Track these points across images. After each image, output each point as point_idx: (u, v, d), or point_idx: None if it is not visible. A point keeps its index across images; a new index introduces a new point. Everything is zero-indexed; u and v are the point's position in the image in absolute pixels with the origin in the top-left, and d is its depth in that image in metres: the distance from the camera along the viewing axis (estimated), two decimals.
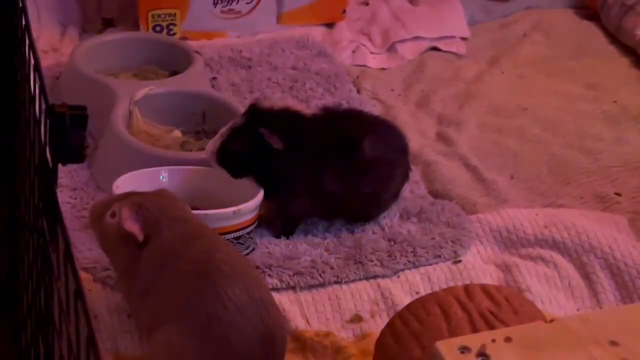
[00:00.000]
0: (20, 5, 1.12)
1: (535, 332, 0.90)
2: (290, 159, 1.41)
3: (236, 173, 1.41)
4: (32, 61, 0.96)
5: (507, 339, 0.90)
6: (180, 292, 1.16)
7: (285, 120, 1.41)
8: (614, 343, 0.89)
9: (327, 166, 1.44)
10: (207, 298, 1.14)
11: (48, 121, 0.82)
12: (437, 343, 0.89)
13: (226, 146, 1.40)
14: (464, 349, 0.88)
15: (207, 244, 1.21)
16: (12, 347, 1.20)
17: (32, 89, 0.99)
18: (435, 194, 1.63)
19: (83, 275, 1.35)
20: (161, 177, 1.48)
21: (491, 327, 1.12)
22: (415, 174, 1.65)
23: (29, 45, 1.01)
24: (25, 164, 1.06)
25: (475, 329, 1.12)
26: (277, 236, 1.47)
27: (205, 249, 1.19)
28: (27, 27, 0.97)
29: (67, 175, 1.56)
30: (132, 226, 1.18)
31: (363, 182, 1.46)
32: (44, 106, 0.86)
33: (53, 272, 0.77)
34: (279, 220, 1.48)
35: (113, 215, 1.21)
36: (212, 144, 1.42)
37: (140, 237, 1.19)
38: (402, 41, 2.06)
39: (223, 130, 1.42)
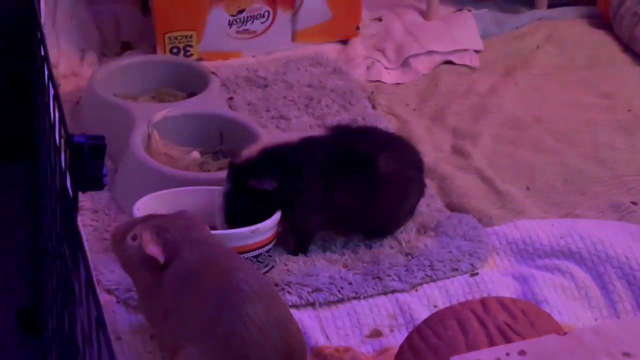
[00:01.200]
0: (39, 36, 1.15)
1: (549, 345, 0.91)
2: (293, 186, 1.43)
3: (253, 222, 1.43)
4: (52, 91, 0.99)
5: (521, 353, 0.91)
6: (201, 312, 1.19)
7: (268, 159, 1.43)
8: (626, 354, 0.90)
9: (341, 184, 1.46)
10: (227, 318, 1.17)
11: (67, 151, 0.85)
12: (452, 358, 0.90)
13: (230, 214, 1.43)
14: None
15: (226, 264, 1.23)
16: None
17: (52, 118, 1.02)
18: (452, 207, 1.64)
19: (106, 296, 1.38)
20: (181, 197, 1.51)
21: (508, 339, 1.13)
22: (431, 187, 1.67)
23: (48, 75, 1.04)
24: (47, 191, 1.09)
25: (492, 342, 1.13)
26: (293, 253, 1.49)
27: (225, 269, 1.21)
28: (46, 59, 1.00)
29: (89, 198, 1.59)
30: (154, 249, 1.20)
31: (379, 199, 1.48)
32: (63, 135, 0.89)
33: (75, 299, 0.80)
34: (292, 236, 1.50)
35: (134, 238, 1.23)
36: (219, 217, 1.44)
37: (161, 259, 1.21)
38: (416, 56, 2.08)
39: (219, 200, 1.44)
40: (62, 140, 0.90)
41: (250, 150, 1.46)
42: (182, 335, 1.19)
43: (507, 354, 0.91)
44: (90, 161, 0.83)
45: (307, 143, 1.48)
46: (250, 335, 1.16)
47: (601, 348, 0.91)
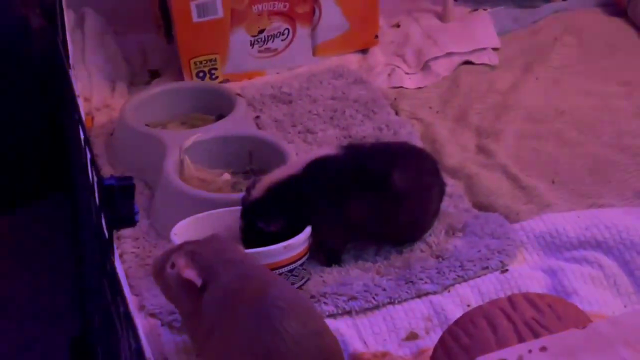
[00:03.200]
0: (67, 80, 1.21)
1: (569, 340, 0.95)
2: (315, 197, 1.49)
3: (274, 243, 1.48)
4: (82, 135, 1.05)
5: (543, 349, 0.95)
6: (240, 330, 1.24)
7: (274, 200, 1.48)
8: None
9: (356, 204, 1.50)
10: (265, 334, 1.22)
11: (99, 193, 0.91)
12: (477, 359, 0.94)
13: (249, 243, 1.49)
14: None
15: (261, 282, 1.28)
16: None
17: (85, 161, 1.08)
18: (479, 206, 1.68)
19: (151, 320, 1.45)
20: (216, 219, 1.57)
21: (536, 334, 1.17)
22: (458, 188, 1.71)
23: (77, 120, 1.10)
24: (85, 227, 1.15)
25: (520, 338, 1.17)
26: (327, 264, 1.55)
27: (260, 287, 1.27)
28: (75, 103, 1.06)
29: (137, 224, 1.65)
30: (190, 273, 1.26)
31: (400, 214, 1.53)
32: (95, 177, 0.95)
33: (117, 332, 0.85)
34: (322, 251, 1.55)
35: (172, 266, 1.29)
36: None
37: (198, 282, 1.27)
38: (435, 59, 2.12)
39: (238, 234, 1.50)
40: (95, 182, 0.96)
41: (258, 188, 1.51)
42: (224, 354, 1.25)
43: (530, 351, 0.95)
44: (121, 201, 0.89)
45: (315, 168, 1.52)
46: (289, 349, 1.21)
47: (619, 338, 0.94)
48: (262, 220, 1.49)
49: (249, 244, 1.49)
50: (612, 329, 0.96)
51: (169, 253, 1.32)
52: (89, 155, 1.00)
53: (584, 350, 0.93)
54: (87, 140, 1.01)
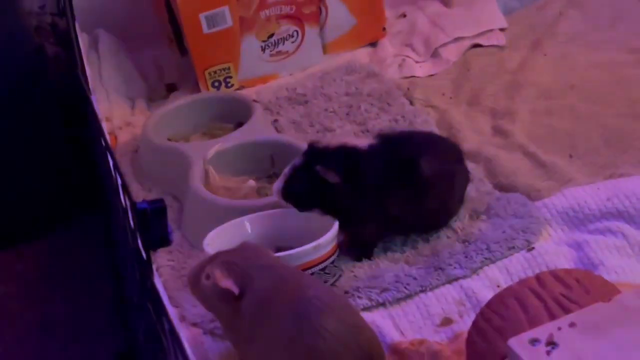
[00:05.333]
0: (90, 106, 1.25)
1: (596, 314, 0.99)
2: (350, 190, 1.52)
3: (301, 207, 1.54)
4: (112, 161, 1.10)
5: (572, 325, 0.99)
6: (281, 332, 1.28)
7: (341, 155, 1.53)
8: None
9: (390, 192, 1.54)
10: (306, 334, 1.26)
11: (133, 217, 0.95)
12: (509, 341, 0.98)
13: (288, 185, 1.53)
14: (534, 341, 0.98)
15: (295, 284, 1.32)
16: None
17: (116, 185, 1.12)
18: (501, 188, 1.71)
19: (193, 330, 1.49)
20: (245, 226, 1.61)
21: (566, 310, 1.20)
22: (478, 171, 1.75)
23: (105, 147, 1.14)
24: (122, 245, 1.20)
25: (552, 315, 1.20)
26: (357, 259, 1.58)
27: (295, 289, 1.31)
28: (102, 133, 1.10)
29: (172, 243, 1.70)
30: (227, 283, 1.31)
31: (427, 200, 1.56)
32: (128, 201, 0.99)
33: (164, 348, 0.90)
34: (354, 247, 1.59)
35: (207, 277, 1.34)
36: (277, 183, 1.55)
37: (236, 291, 1.31)
38: (444, 45, 2.15)
39: (286, 170, 1.55)
40: (128, 206, 1.00)
41: (332, 141, 1.55)
42: (267, 356, 1.29)
43: (559, 329, 0.98)
44: (155, 223, 0.93)
45: (366, 150, 1.56)
46: (329, 346, 1.25)
47: None
48: (323, 165, 1.50)
49: (289, 183, 1.52)
50: (637, 300, 0.99)
51: (203, 265, 1.36)
52: (119, 181, 1.05)
53: (612, 323, 0.97)
54: (116, 166, 1.06)
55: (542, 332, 0.98)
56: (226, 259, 1.34)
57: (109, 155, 1.11)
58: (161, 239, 0.93)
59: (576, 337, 0.97)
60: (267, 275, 1.33)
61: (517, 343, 0.98)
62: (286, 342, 1.28)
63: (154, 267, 1.62)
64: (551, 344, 0.97)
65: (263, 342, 1.30)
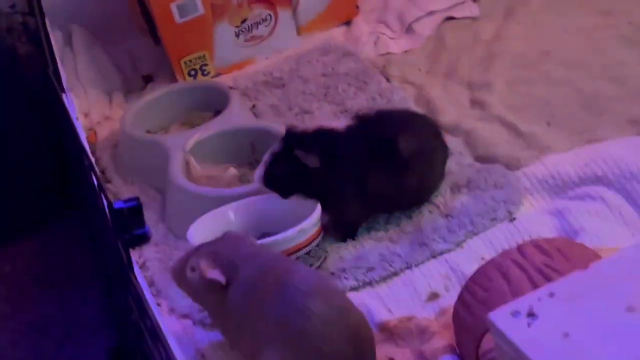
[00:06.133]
0: (63, 110, 1.25)
1: (575, 282, 1.00)
2: (331, 173, 1.53)
3: (284, 193, 1.54)
4: (86, 162, 1.10)
5: (551, 295, 1.00)
6: (269, 318, 1.29)
7: (319, 139, 1.53)
8: None
9: (370, 172, 1.55)
10: (293, 318, 1.27)
11: (110, 216, 0.96)
12: (490, 315, 0.99)
13: (269, 171, 1.54)
14: (515, 313, 0.99)
15: (281, 270, 1.33)
16: None
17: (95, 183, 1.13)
18: (481, 159, 1.72)
19: (183, 321, 1.50)
20: (228, 214, 1.62)
21: (548, 278, 1.21)
22: (458, 144, 1.75)
23: (80, 146, 1.14)
24: (104, 245, 1.20)
25: (534, 285, 1.21)
26: (342, 240, 1.59)
27: (281, 274, 1.32)
28: (75, 132, 1.10)
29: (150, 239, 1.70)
30: (213, 273, 1.31)
31: (407, 178, 1.57)
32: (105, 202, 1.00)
33: (147, 343, 0.91)
34: (338, 228, 1.60)
35: (192, 270, 1.34)
36: (258, 170, 1.55)
37: (223, 280, 1.32)
38: (418, 20, 2.15)
39: (265, 156, 1.55)
40: (105, 204, 1.01)
41: (310, 125, 1.55)
42: (257, 342, 1.30)
43: (539, 300, 0.99)
44: (132, 221, 0.94)
45: (344, 132, 1.57)
46: (317, 329, 1.26)
47: (622, 274, 0.99)
48: (302, 149, 1.52)
49: (270, 170, 1.53)
50: (613, 266, 1.00)
51: (186, 257, 1.37)
52: (95, 182, 1.05)
53: (590, 292, 0.98)
54: (91, 166, 1.06)
55: (522, 304, 0.99)
56: (210, 250, 1.34)
57: (84, 155, 1.11)
58: (139, 236, 0.93)
59: (556, 306, 0.98)
60: (252, 263, 1.34)
61: (498, 316, 0.99)
62: (274, 327, 1.29)
63: (141, 261, 1.65)
64: (531, 315, 0.98)
65: (252, 329, 1.31)
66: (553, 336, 0.94)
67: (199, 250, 1.36)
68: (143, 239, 0.95)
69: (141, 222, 0.95)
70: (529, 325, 0.97)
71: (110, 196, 1.03)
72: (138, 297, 0.91)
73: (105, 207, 0.99)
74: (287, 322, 1.27)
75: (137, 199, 0.95)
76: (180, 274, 1.35)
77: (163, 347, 0.82)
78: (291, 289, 1.29)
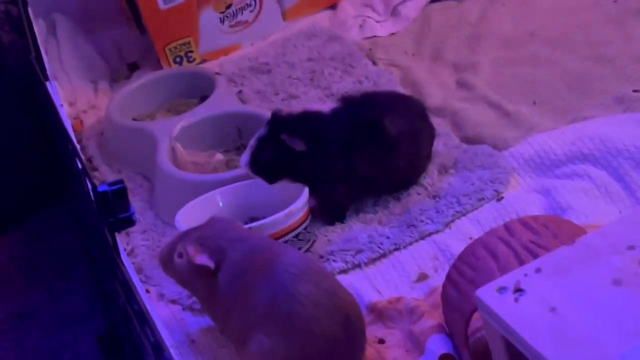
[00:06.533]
0: (47, 96, 1.25)
1: (561, 257, 1.00)
2: (317, 156, 1.53)
3: (271, 179, 1.54)
4: (70, 147, 1.09)
5: (538, 270, 1.00)
6: (259, 302, 1.29)
7: (304, 122, 1.53)
8: (631, 247, 0.99)
9: (356, 153, 1.55)
10: (282, 300, 1.27)
11: (95, 200, 0.95)
12: (477, 291, 0.99)
13: (255, 156, 1.53)
14: (502, 289, 0.99)
15: (269, 253, 1.33)
16: None
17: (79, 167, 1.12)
18: (468, 140, 1.72)
19: (172, 307, 1.50)
20: (216, 200, 1.61)
21: (535, 255, 1.21)
22: (444, 126, 1.75)
23: (64, 132, 1.14)
24: (91, 230, 1.20)
25: (521, 262, 1.21)
26: (330, 223, 1.59)
27: (269, 257, 1.31)
28: (59, 119, 1.10)
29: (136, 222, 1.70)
30: (202, 259, 1.31)
31: (394, 159, 1.57)
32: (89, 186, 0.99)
33: (135, 328, 0.90)
34: (326, 211, 1.60)
35: (180, 256, 1.34)
36: (244, 156, 1.55)
37: (212, 265, 1.31)
38: (403, 2, 2.15)
39: (251, 141, 1.55)
40: (90, 188, 1.00)
41: (295, 109, 1.55)
42: (246, 326, 1.30)
43: (525, 275, 1.00)
44: (117, 205, 0.93)
45: (330, 115, 1.57)
46: (307, 311, 1.26)
47: (608, 247, 0.99)
48: (288, 133, 1.51)
49: (256, 154, 1.52)
50: (600, 240, 1.00)
51: (173, 244, 1.36)
52: (80, 166, 1.05)
53: (577, 265, 0.98)
54: (75, 151, 1.06)
55: (509, 280, 1.00)
56: (197, 235, 1.34)
57: (68, 140, 1.11)
58: (125, 219, 0.93)
59: (542, 281, 0.98)
60: (240, 247, 1.33)
61: (485, 293, 0.99)
62: (264, 310, 1.28)
63: (129, 248, 1.64)
64: (519, 290, 0.98)
65: (241, 313, 1.30)
66: (540, 310, 0.94)
67: (186, 236, 1.35)
68: (128, 222, 0.94)
69: (126, 206, 0.94)
70: (516, 300, 0.97)
71: (96, 183, 1.02)
72: (124, 280, 0.91)
73: (90, 190, 0.99)
74: (277, 305, 1.27)
75: (121, 181, 0.95)
76: (167, 261, 1.35)
77: (151, 330, 0.82)
78: (281, 272, 1.29)
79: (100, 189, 0.93)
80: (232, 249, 1.33)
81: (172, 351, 0.84)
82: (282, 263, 1.30)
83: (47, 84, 1.33)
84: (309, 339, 1.27)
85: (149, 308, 0.88)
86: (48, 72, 1.59)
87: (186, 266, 1.33)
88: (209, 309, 1.38)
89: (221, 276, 1.32)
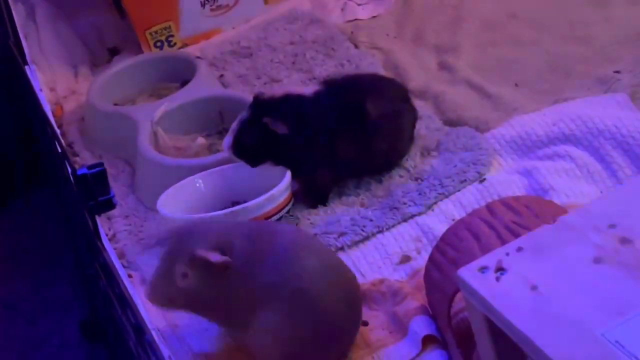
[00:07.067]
0: (26, 81, 1.24)
1: (542, 236, 1.00)
2: (300, 139, 1.52)
3: (253, 162, 1.54)
4: (50, 131, 1.09)
5: (519, 249, 1.00)
6: (265, 280, 1.25)
7: (287, 105, 1.52)
8: (612, 226, 0.99)
9: (339, 136, 1.54)
10: (289, 278, 1.24)
11: (74, 183, 0.95)
12: (459, 271, 0.99)
13: (238, 140, 1.53)
14: (484, 269, 0.99)
15: (269, 236, 1.29)
16: None
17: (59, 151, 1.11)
18: (450, 123, 1.72)
19: None
20: (198, 184, 1.61)
21: (517, 235, 1.21)
22: (427, 108, 1.75)
23: (43, 117, 1.13)
24: (73, 217, 1.19)
25: (503, 242, 1.21)
26: (313, 207, 1.59)
27: (270, 240, 1.27)
28: (38, 103, 1.09)
29: (117, 207, 1.69)
30: (216, 257, 1.24)
31: (376, 141, 1.56)
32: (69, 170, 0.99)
33: (116, 310, 0.90)
34: (309, 194, 1.59)
35: (185, 276, 1.26)
36: (227, 139, 1.54)
37: (229, 260, 1.25)
38: None
39: (234, 125, 1.54)
40: (69, 172, 1.00)
41: (277, 91, 1.55)
42: (252, 306, 1.25)
43: (507, 254, 1.00)
44: (97, 187, 0.93)
45: (312, 98, 1.56)
46: (313, 284, 1.24)
47: (588, 225, 0.99)
48: (270, 117, 1.50)
49: (239, 137, 1.51)
50: (581, 218, 1.01)
51: (167, 271, 1.26)
52: (59, 149, 1.04)
53: (558, 243, 0.98)
54: (55, 135, 1.05)
55: (490, 259, 1.00)
56: (195, 245, 1.26)
57: (47, 124, 1.10)
58: (105, 202, 0.93)
59: (524, 260, 0.98)
60: (240, 237, 1.27)
61: (467, 272, 0.99)
62: (270, 289, 1.24)
63: (111, 233, 1.63)
64: (500, 269, 0.98)
65: (247, 296, 1.25)
66: (521, 289, 0.94)
67: (178, 253, 1.26)
68: (109, 205, 0.94)
69: (106, 188, 0.94)
70: (497, 279, 0.97)
71: (76, 167, 1.02)
72: (105, 263, 0.91)
73: (70, 174, 0.98)
74: (283, 282, 1.24)
75: (101, 164, 0.94)
76: (166, 296, 1.26)
77: (132, 312, 0.82)
78: (283, 251, 1.27)
79: (79, 172, 0.92)
80: (233, 237, 1.28)
81: (154, 334, 0.84)
82: (283, 242, 1.27)
83: (27, 68, 1.31)
84: (316, 315, 1.25)
85: (130, 291, 0.88)
86: (27, 56, 1.58)
87: (195, 282, 1.25)
88: (225, 319, 1.30)
89: (231, 272, 1.26)
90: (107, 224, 1.65)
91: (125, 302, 0.83)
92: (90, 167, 0.93)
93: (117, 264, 0.95)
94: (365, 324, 1.37)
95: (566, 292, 0.93)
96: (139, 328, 0.79)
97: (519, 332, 0.91)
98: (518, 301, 0.93)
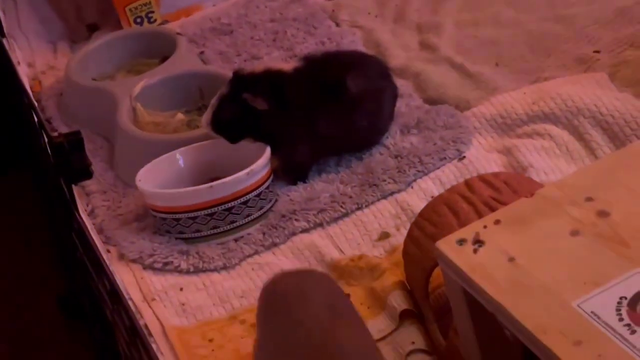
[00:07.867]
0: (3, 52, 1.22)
1: (520, 209, 1.01)
2: (279, 115, 1.52)
3: (233, 138, 1.53)
4: (26, 101, 1.08)
5: (497, 222, 1.00)
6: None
7: (267, 80, 1.52)
8: (589, 199, 0.99)
9: (319, 112, 1.54)
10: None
11: (51, 152, 0.94)
12: (437, 243, 1.00)
13: (217, 116, 1.52)
14: (461, 241, 0.99)
15: None
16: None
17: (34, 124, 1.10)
18: (431, 101, 1.72)
19: (133, 266, 1.48)
20: (177, 159, 1.60)
21: (495, 211, 1.22)
22: (407, 87, 1.75)
23: (20, 87, 1.12)
24: (51, 189, 1.18)
25: (481, 217, 1.22)
26: (293, 183, 1.59)
27: None
28: (15, 75, 1.08)
29: (95, 182, 1.67)
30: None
31: (356, 118, 1.56)
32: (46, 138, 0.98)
33: (92, 279, 0.89)
34: (288, 171, 1.59)
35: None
36: (206, 115, 1.53)
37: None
38: None
39: (213, 101, 1.54)
40: (47, 143, 0.99)
41: (257, 67, 1.54)
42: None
43: (485, 227, 1.00)
44: (73, 155, 0.92)
45: (292, 74, 1.55)
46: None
47: (565, 199, 1.00)
48: (250, 93, 1.49)
49: (218, 114, 1.50)
50: (558, 192, 1.01)
51: None
52: (36, 119, 1.03)
53: (535, 216, 0.98)
54: (31, 105, 1.04)
55: (468, 231, 1.00)
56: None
57: (24, 95, 1.09)
58: (81, 170, 0.92)
59: (501, 233, 0.98)
60: None
61: (444, 245, 0.99)
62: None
63: (89, 208, 1.63)
64: (478, 242, 0.98)
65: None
66: (499, 261, 0.95)
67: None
68: (85, 173, 0.93)
69: (83, 157, 0.93)
70: (475, 251, 0.97)
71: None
72: (81, 231, 0.90)
73: (47, 144, 0.97)
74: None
75: (78, 132, 0.93)
76: None
77: (107, 279, 0.81)
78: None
79: (55, 140, 0.91)
80: None
81: (130, 303, 0.84)
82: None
83: (4, 40, 1.30)
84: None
85: (106, 259, 0.87)
86: (4, 29, 1.57)
87: None
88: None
89: None
90: (85, 200, 1.64)
91: (101, 269, 0.83)
92: (67, 135, 0.92)
93: (93, 234, 0.94)
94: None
95: (543, 264, 0.93)
96: (115, 293, 0.79)
97: (495, 303, 0.91)
98: (495, 272, 0.94)
